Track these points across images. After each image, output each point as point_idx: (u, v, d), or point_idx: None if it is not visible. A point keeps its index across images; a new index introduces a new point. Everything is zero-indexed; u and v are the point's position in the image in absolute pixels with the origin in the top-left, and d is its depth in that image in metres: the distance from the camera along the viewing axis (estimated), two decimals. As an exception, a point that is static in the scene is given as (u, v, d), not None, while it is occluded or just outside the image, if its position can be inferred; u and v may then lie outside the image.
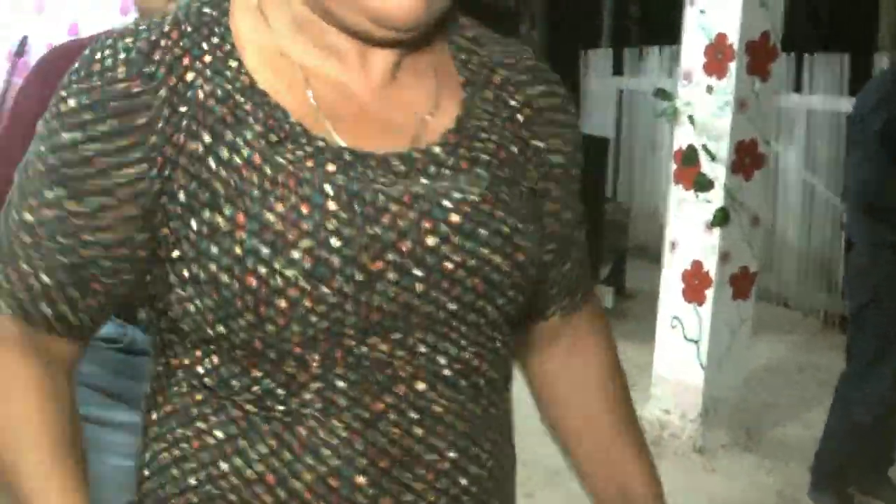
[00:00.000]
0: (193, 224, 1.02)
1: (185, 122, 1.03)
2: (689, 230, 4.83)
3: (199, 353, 1.07)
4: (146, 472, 1.14)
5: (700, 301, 4.79)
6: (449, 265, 1.05)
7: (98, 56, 1.05)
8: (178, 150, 1.02)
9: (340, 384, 1.04)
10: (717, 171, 4.71)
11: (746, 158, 4.73)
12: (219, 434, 1.07)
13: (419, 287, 1.04)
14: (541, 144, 1.18)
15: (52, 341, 1.09)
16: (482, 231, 1.07)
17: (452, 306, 1.06)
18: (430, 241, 1.04)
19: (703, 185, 4.71)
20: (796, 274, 7.71)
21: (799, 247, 7.70)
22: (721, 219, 4.69)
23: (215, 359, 1.06)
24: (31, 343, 1.08)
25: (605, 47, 11.27)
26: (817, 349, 6.52)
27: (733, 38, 4.63)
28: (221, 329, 1.03)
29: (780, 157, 7.64)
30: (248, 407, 1.05)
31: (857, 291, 4.14)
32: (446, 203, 1.06)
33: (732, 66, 4.65)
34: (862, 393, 4.03)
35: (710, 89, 4.72)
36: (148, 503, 1.14)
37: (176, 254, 1.03)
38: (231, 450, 1.06)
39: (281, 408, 1.04)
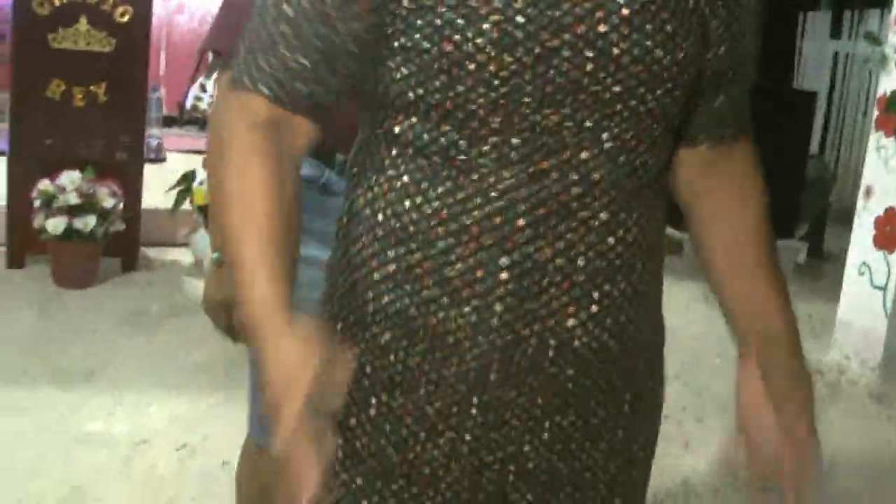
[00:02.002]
0: (405, 2, 1.20)
1: None
2: (885, 176, 4.77)
3: (399, 116, 1.25)
4: (345, 219, 1.35)
5: (890, 248, 4.74)
6: (616, 51, 1.19)
7: None
8: None
9: (515, 141, 1.20)
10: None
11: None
12: (405, 179, 1.25)
13: (589, 66, 1.18)
14: None
15: (297, 120, 1.26)
16: (648, 26, 1.20)
17: (616, 89, 1.20)
18: (602, 27, 1.18)
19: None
20: None
21: None
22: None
23: (413, 119, 1.23)
24: (278, 128, 1.25)
25: (824, 10, 10.99)
26: None
27: (950, -17, 4.54)
28: (420, 91, 1.21)
29: None
30: (434, 158, 1.23)
31: None
32: None
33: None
34: None
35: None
36: (342, 245, 1.34)
37: (389, 30, 1.21)
38: (414, 190, 1.25)
39: (462, 157, 1.22)
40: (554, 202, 1.21)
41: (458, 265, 1.23)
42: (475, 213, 1.22)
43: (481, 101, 1.19)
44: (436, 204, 1.23)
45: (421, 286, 1.24)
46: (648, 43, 1.21)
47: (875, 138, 4.84)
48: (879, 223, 4.79)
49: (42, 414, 3.69)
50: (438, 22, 1.18)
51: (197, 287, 5.27)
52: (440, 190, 1.23)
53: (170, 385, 4.06)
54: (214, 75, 8.19)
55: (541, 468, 1.31)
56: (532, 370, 1.26)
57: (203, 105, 8.64)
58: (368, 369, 1.29)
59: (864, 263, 4.83)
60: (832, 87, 9.63)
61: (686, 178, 1.40)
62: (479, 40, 1.17)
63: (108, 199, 5.14)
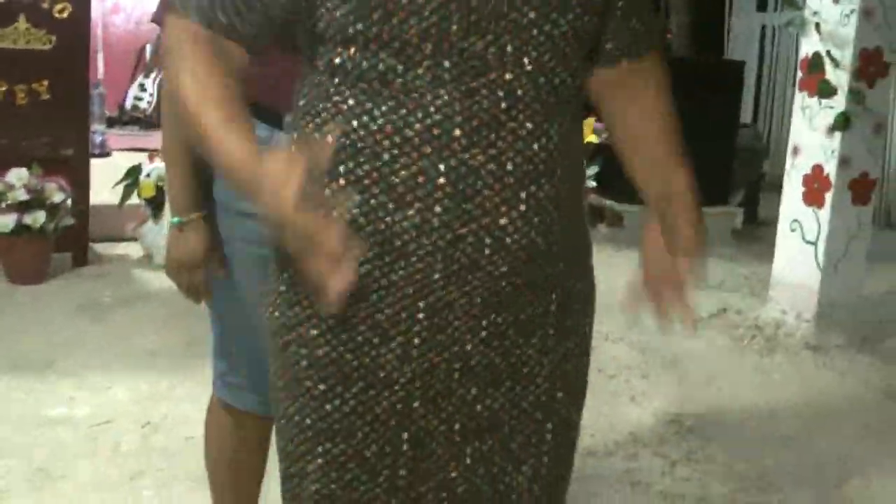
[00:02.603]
0: None
1: None
2: (811, 135, 4.96)
3: (339, 48, 1.40)
4: (293, 148, 1.48)
5: (819, 204, 4.92)
6: None
7: None
8: None
9: (446, 63, 1.36)
10: (840, 79, 4.83)
11: (870, 66, 4.82)
12: (350, 102, 1.41)
13: None
14: None
15: (227, 43, 1.41)
16: None
17: (532, 15, 1.38)
18: None
19: (827, 91, 4.83)
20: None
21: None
22: (842, 123, 4.80)
23: (352, 50, 1.39)
24: (213, 42, 1.40)
25: (751, -16, 11.21)
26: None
27: (863, -53, 4.73)
28: (360, 26, 1.36)
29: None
30: (374, 83, 1.38)
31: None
32: None
33: (861, -26, 4.75)
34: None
35: (837, -3, 4.84)
36: None
37: None
38: (360, 111, 1.40)
39: (399, 80, 1.37)
40: (485, 115, 1.38)
41: (402, 172, 1.38)
42: (416, 126, 1.38)
43: (413, 30, 1.34)
44: (381, 121, 1.39)
45: (369, 195, 1.40)
46: None
47: (800, 98, 5.03)
48: (808, 180, 4.97)
49: (3, 403, 3.75)
50: None
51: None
52: (384, 108, 1.39)
53: (129, 369, 4.14)
54: (154, 74, 8.19)
55: (482, 364, 1.47)
56: (471, 268, 1.41)
57: (143, 104, 8.67)
58: None
59: (795, 220, 5.01)
60: (761, 59, 9.84)
61: (605, 89, 1.59)
62: None
63: (56, 194, 5.20)
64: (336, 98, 1.42)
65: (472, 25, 1.35)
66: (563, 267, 1.51)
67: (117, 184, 5.74)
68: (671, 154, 1.60)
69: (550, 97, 1.42)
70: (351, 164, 1.40)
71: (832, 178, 4.88)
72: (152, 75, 8.67)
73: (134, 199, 5.73)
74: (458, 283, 1.41)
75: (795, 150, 5.06)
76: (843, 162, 4.85)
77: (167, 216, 2.29)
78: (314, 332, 1.45)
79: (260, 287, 2.21)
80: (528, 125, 1.40)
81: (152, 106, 8.65)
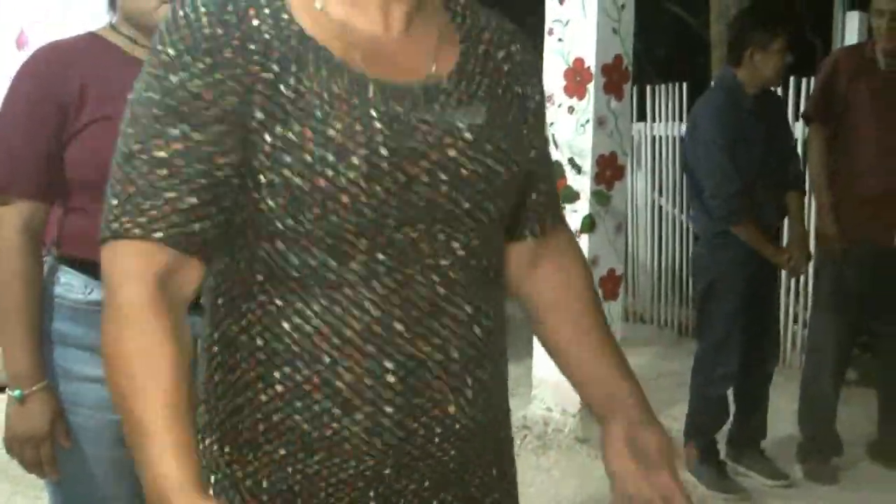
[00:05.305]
0: (267, 138, 1.28)
1: (256, 57, 1.30)
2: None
3: (264, 243, 1.32)
4: (215, 349, 1.39)
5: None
6: (464, 171, 1.35)
7: (182, 14, 1.32)
8: (254, 77, 1.30)
9: (381, 256, 1.31)
10: (581, 184, 5.13)
11: (607, 170, 5.16)
12: (279, 302, 1.32)
13: (444, 188, 1.33)
14: (520, 90, 1.50)
15: (191, 262, 1.29)
16: (488, 146, 1.37)
17: (466, 205, 1.36)
18: (451, 153, 1.34)
19: (570, 196, 5.11)
20: (651, 291, 8.23)
21: (651, 266, 8.23)
22: (588, 225, 5.10)
23: (280, 245, 1.31)
24: (170, 276, 1.26)
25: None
26: (675, 357, 6.91)
27: (590, 62, 5.08)
28: (290, 222, 1.29)
29: (630, 182, 8.15)
30: (306, 280, 1.30)
31: (701, 277, 4.61)
32: (460, 125, 1.35)
33: (591, 87, 5.09)
34: (714, 369, 4.49)
35: (571, 109, 5.15)
36: (217, 372, 1.39)
37: (255, 163, 1.29)
38: (290, 311, 1.31)
39: (332, 276, 1.30)
40: (424, 303, 1.33)
41: (347, 376, 1.31)
42: (355, 324, 1.30)
43: (350, 226, 1.28)
44: (316, 322, 1.31)
45: (312, 401, 1.32)
46: (489, 161, 1.37)
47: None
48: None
49: None
50: (309, 158, 1.27)
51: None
52: (316, 308, 1.31)
53: None
54: None
55: None
56: (421, 458, 1.37)
57: None
58: (265, 484, 1.36)
59: (551, 320, 5.21)
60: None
61: (519, 273, 1.56)
62: (351, 174, 1.27)
63: None
64: (262, 297, 1.33)
65: (408, 218, 1.31)
66: (503, 434, 1.51)
67: None
68: (607, 352, 1.54)
69: (482, 278, 1.39)
70: (287, 370, 1.32)
71: (583, 277, 5.12)
72: None
73: None
74: (408, 473, 1.37)
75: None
76: (592, 262, 5.12)
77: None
78: None
79: (112, 455, 2.11)
80: (468, 308, 1.36)
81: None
